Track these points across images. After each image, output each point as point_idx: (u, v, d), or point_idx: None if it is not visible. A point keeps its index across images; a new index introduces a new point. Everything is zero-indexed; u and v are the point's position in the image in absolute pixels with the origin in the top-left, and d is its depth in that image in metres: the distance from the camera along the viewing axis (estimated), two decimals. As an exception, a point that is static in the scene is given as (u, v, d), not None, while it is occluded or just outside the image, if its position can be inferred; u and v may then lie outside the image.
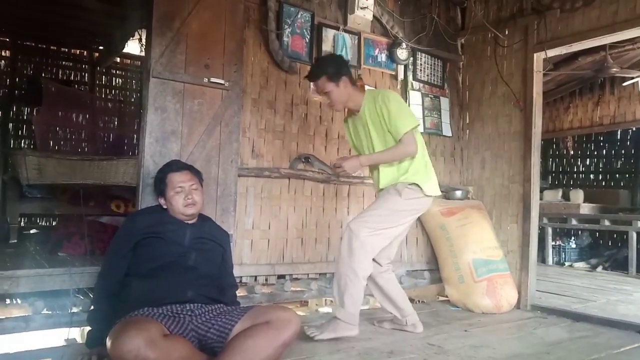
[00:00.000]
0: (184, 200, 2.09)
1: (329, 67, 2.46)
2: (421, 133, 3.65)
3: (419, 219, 3.64)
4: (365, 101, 2.52)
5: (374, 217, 2.45)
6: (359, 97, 2.53)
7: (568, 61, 4.95)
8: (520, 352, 2.37)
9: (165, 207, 2.15)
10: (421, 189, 2.48)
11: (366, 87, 2.63)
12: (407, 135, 2.41)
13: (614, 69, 4.85)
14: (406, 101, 3.67)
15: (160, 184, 2.16)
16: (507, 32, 3.61)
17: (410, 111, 2.56)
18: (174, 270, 1.97)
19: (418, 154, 2.48)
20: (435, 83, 3.85)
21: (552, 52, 3.40)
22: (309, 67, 3.20)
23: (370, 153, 2.55)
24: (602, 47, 4.46)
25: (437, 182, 2.61)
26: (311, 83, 2.78)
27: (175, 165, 2.20)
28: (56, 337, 2.51)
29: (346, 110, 2.68)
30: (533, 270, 3.40)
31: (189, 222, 2.14)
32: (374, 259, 2.58)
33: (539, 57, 3.44)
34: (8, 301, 2.55)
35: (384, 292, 2.64)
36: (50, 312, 2.35)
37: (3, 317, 2.38)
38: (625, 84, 5.99)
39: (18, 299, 2.53)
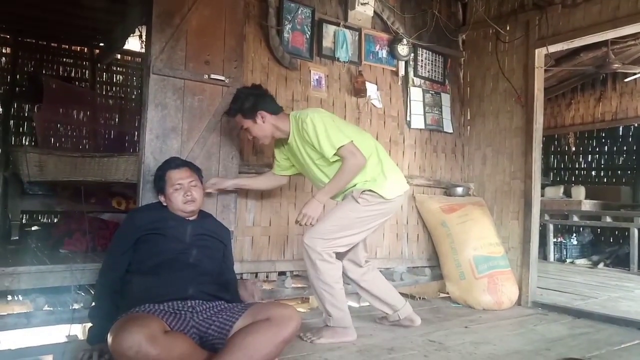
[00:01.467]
0: (183, 197, 2.10)
1: (244, 104, 2.32)
2: (422, 129, 3.70)
3: (419, 215, 3.65)
4: (292, 127, 2.39)
5: (330, 228, 2.34)
6: (285, 124, 2.40)
7: (570, 57, 4.93)
8: (520, 349, 2.37)
9: (165, 204, 2.15)
10: (379, 194, 2.35)
11: (292, 113, 2.46)
12: (344, 150, 2.26)
13: (616, 65, 4.83)
14: (407, 97, 3.66)
15: (159, 182, 2.17)
16: (508, 28, 3.60)
17: (339, 125, 2.35)
18: (174, 266, 1.97)
19: (370, 160, 2.37)
20: (436, 79, 3.84)
21: (553, 48, 3.39)
22: (309, 64, 3.20)
23: (319, 181, 2.44)
24: (603, 43, 4.44)
25: (400, 180, 2.47)
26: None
27: (173, 163, 2.20)
28: (57, 334, 2.52)
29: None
30: (534, 266, 3.40)
31: (190, 218, 2.14)
32: (352, 261, 2.57)
33: (540, 53, 3.43)
34: (9, 297, 2.55)
35: (371, 294, 2.62)
36: (51, 309, 2.35)
37: (5, 313, 2.39)
38: (627, 79, 5.98)
39: (19, 296, 2.54)
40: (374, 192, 2.36)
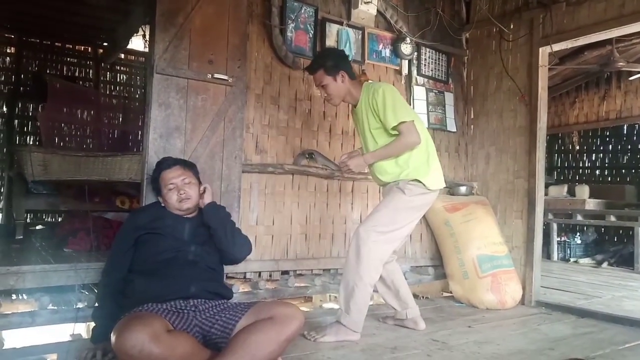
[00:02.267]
0: (178, 196, 2.11)
1: (328, 61, 2.46)
2: (425, 128, 3.69)
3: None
4: (362, 95, 2.51)
5: (382, 219, 2.41)
6: (357, 91, 2.52)
7: (574, 55, 4.91)
8: (524, 348, 2.36)
9: (163, 204, 2.16)
10: (423, 184, 2.43)
11: (367, 82, 2.60)
12: (404, 126, 2.36)
13: (621, 63, 4.81)
14: (410, 96, 3.65)
15: (155, 183, 2.20)
16: (512, 26, 3.59)
17: (406, 104, 2.50)
18: (175, 265, 1.98)
19: (420, 147, 2.45)
20: (440, 78, 3.83)
21: (557, 46, 3.37)
22: (312, 63, 3.20)
23: (369, 149, 2.53)
24: (608, 41, 4.42)
25: (441, 174, 2.56)
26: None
27: (165, 163, 2.20)
28: (62, 333, 2.53)
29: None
30: (538, 266, 3.39)
31: (188, 216, 2.15)
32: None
33: (544, 52, 3.41)
34: (14, 296, 2.56)
35: (385, 284, 2.63)
36: (55, 308, 2.36)
37: (9, 312, 2.40)
38: (631, 78, 5.95)
39: (24, 295, 2.55)
40: (418, 181, 2.43)
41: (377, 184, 2.74)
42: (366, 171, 3.17)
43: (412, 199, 2.44)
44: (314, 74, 2.51)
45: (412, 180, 2.44)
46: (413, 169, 2.44)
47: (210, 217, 2.14)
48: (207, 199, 2.18)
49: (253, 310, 1.85)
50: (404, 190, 2.43)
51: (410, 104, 3.64)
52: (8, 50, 5.30)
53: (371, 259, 2.36)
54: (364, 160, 2.49)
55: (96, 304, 2.09)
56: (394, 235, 2.44)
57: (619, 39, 4.40)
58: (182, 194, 2.11)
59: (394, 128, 2.38)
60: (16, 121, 5.27)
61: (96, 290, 2.39)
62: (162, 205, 2.17)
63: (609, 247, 6.27)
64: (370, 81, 2.62)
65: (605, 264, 5.68)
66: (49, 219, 5.28)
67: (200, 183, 2.26)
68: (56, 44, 5.51)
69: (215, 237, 2.12)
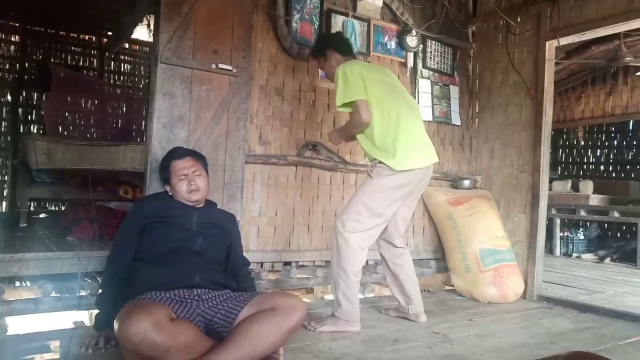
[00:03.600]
0: (188, 186, 2.11)
1: (319, 42, 2.70)
2: (430, 122, 3.68)
3: (425, 207, 3.64)
4: None
5: (355, 207, 2.39)
6: None
7: (581, 50, 4.87)
8: (525, 342, 2.37)
9: (171, 193, 2.16)
10: (388, 166, 2.37)
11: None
12: (353, 105, 2.38)
13: (628, 58, 4.76)
14: (415, 89, 3.64)
15: (164, 172, 2.19)
16: (519, 20, 3.56)
17: (356, 84, 2.39)
18: (181, 255, 1.98)
19: (383, 131, 2.39)
20: (445, 71, 3.81)
21: (564, 41, 3.34)
22: (317, 54, 3.19)
23: None
24: (616, 36, 4.38)
25: (412, 154, 2.41)
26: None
27: (176, 153, 2.21)
28: (65, 320, 2.55)
29: None
30: (540, 260, 3.38)
31: (196, 206, 2.15)
32: (384, 239, 2.59)
33: (551, 46, 3.39)
34: (18, 284, 2.58)
35: (394, 277, 2.63)
36: (58, 295, 2.38)
37: (13, 299, 2.42)
38: (638, 73, 5.90)
39: (27, 282, 2.57)
40: (383, 163, 2.40)
41: None
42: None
43: (381, 181, 2.39)
44: (312, 57, 2.76)
45: (378, 163, 2.42)
46: (376, 151, 2.43)
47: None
48: None
49: (255, 301, 1.85)
50: (371, 173, 2.42)
51: (415, 97, 3.63)
52: (13, 39, 5.29)
53: (350, 250, 2.35)
54: (336, 132, 2.62)
55: (100, 291, 2.10)
56: (372, 221, 2.41)
57: (627, 34, 4.35)
58: (192, 185, 2.11)
59: (339, 108, 2.44)
60: (20, 110, 5.27)
61: (99, 279, 2.40)
62: (170, 194, 2.17)
63: (612, 242, 6.26)
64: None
65: (607, 260, 5.67)
66: (53, 208, 5.30)
67: (208, 175, 2.26)
68: (61, 33, 5.50)
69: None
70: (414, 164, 2.41)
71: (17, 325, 2.53)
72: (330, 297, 3.85)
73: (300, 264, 3.10)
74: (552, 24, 3.35)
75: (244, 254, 2.38)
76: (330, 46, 2.59)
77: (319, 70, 2.76)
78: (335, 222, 2.43)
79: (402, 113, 2.44)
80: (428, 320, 2.62)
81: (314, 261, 3.15)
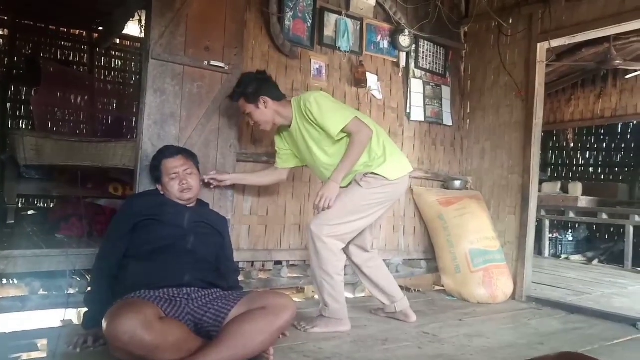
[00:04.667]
0: (179, 185, 2.10)
1: (247, 88, 2.35)
2: (422, 122, 3.69)
3: (416, 207, 3.65)
4: (294, 113, 2.41)
5: (336, 213, 2.33)
6: (287, 111, 2.42)
7: (571, 52, 4.91)
8: (514, 342, 2.38)
9: (162, 192, 2.15)
10: (383, 176, 2.36)
11: (293, 98, 2.51)
12: (351, 125, 2.29)
13: (617, 61, 4.82)
14: (407, 89, 3.64)
15: (155, 171, 2.18)
16: (511, 21, 3.58)
17: (341, 105, 2.44)
18: (172, 253, 1.97)
19: (372, 145, 2.38)
20: (437, 71, 3.82)
21: (555, 43, 3.37)
22: (310, 52, 3.18)
23: (324, 163, 2.43)
24: (606, 39, 4.42)
25: (401, 160, 2.47)
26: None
27: (167, 151, 2.20)
28: (52, 318, 2.52)
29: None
30: (529, 261, 3.41)
31: (188, 205, 2.14)
32: (358, 245, 2.57)
33: (542, 47, 3.41)
34: (5, 281, 2.55)
35: (371, 281, 2.62)
36: (46, 293, 2.35)
37: (0, 296, 2.39)
38: (628, 76, 5.97)
39: (15, 279, 2.54)
40: (376, 174, 2.36)
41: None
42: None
43: (371, 192, 2.36)
44: (237, 102, 2.44)
45: (370, 174, 2.37)
46: (369, 163, 2.38)
47: None
48: None
49: (245, 300, 1.85)
50: (360, 183, 2.36)
51: (407, 97, 3.63)
52: (1, 33, 5.21)
53: (329, 252, 2.31)
54: (334, 182, 2.33)
55: (89, 289, 2.08)
56: (352, 226, 2.37)
57: (617, 37, 4.40)
58: (184, 184, 2.11)
59: (340, 132, 2.30)
60: (9, 105, 5.20)
61: (88, 276, 2.38)
62: (161, 193, 2.16)
63: (600, 244, 6.33)
64: (294, 97, 2.51)
65: (595, 261, 5.73)
66: (41, 204, 5.24)
67: (200, 173, 2.25)
68: (50, 27, 5.42)
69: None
70: (404, 171, 2.46)
71: (4, 323, 2.50)
72: (320, 296, 3.85)
73: (291, 263, 3.09)
74: (544, 26, 3.37)
75: (235, 252, 2.37)
76: (264, 93, 2.37)
77: (245, 112, 2.42)
78: (309, 226, 2.35)
79: (379, 128, 2.51)
80: (418, 320, 2.63)
81: (304, 260, 3.14)
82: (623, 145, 6.90)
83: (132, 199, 2.22)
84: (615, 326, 2.81)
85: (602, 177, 7.10)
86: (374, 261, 2.62)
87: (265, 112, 2.39)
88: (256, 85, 2.37)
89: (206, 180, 2.50)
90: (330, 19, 3.25)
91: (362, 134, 2.31)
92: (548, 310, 3.15)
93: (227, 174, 2.61)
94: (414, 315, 2.64)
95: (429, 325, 2.59)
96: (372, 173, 2.37)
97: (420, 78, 3.71)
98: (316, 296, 3.77)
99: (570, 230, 6.50)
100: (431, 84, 3.77)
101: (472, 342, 2.34)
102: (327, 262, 2.33)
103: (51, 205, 4.95)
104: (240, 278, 2.83)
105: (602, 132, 7.09)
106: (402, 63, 3.61)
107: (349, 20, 3.31)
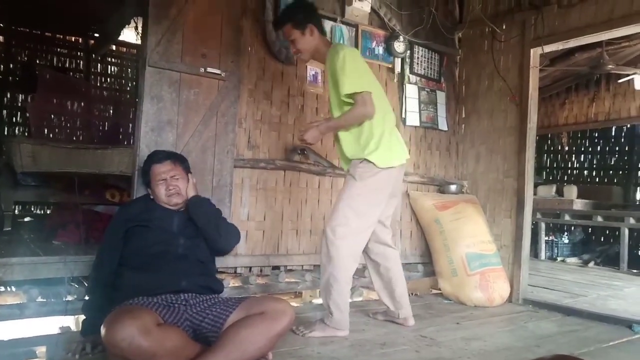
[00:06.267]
0: (167, 190, 2.12)
1: (296, 14, 2.37)
2: (417, 127, 3.72)
3: (413, 212, 3.67)
4: (327, 55, 2.39)
5: (343, 211, 2.33)
6: (325, 49, 2.41)
7: (564, 57, 4.96)
8: (511, 345, 2.40)
9: (152, 197, 2.17)
10: (373, 163, 2.33)
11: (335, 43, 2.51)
12: (360, 96, 2.25)
13: (610, 66, 4.87)
14: (402, 94, 3.67)
15: (145, 176, 2.20)
16: (504, 27, 3.61)
17: (367, 74, 2.36)
18: (165, 259, 1.98)
19: (373, 125, 2.34)
20: (432, 77, 3.85)
21: (549, 48, 3.40)
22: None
23: (332, 112, 2.44)
24: (598, 44, 4.47)
25: (395, 151, 2.42)
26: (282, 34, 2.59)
27: (156, 157, 2.21)
28: (50, 325, 2.52)
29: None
30: (525, 264, 3.43)
31: (177, 209, 2.15)
32: (376, 240, 2.54)
33: (535, 53, 3.44)
34: (2, 289, 2.54)
35: (382, 280, 2.60)
36: (44, 300, 2.35)
37: (-3, 304, 2.39)
38: (620, 80, 6.02)
39: (12, 287, 2.53)
40: (367, 161, 2.34)
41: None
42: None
43: (365, 182, 2.34)
44: (282, 27, 2.42)
45: (361, 162, 2.36)
46: (361, 149, 2.36)
47: (193, 210, 2.15)
48: (191, 192, 2.19)
49: (244, 305, 1.86)
50: (354, 175, 2.36)
51: (402, 102, 3.66)
52: (-3, 40, 5.23)
53: (341, 257, 2.30)
54: (319, 131, 2.38)
55: (86, 297, 2.09)
56: (362, 225, 2.36)
57: (609, 42, 4.45)
58: (171, 189, 2.13)
59: (348, 96, 2.27)
60: (5, 111, 5.21)
61: (85, 283, 2.38)
62: (152, 197, 2.18)
63: (596, 246, 6.36)
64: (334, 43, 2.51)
65: (591, 264, 5.76)
66: (38, 211, 5.24)
67: (191, 174, 2.26)
68: (46, 34, 5.45)
69: (201, 230, 2.13)
70: (396, 161, 2.43)
71: (3, 331, 2.49)
72: (318, 301, 3.85)
73: (288, 268, 3.10)
74: (537, 32, 3.40)
75: (233, 258, 2.37)
76: (313, 20, 2.38)
77: (290, 38, 2.39)
78: (325, 229, 2.37)
79: (388, 110, 2.47)
80: (416, 324, 2.64)
81: (302, 265, 3.15)
82: (617, 149, 6.96)
83: (123, 207, 2.27)
84: (611, 328, 2.82)
85: (597, 180, 7.15)
86: (392, 262, 2.57)
87: (310, 40, 2.39)
88: (306, 12, 2.39)
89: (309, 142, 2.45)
90: (326, 26, 3.25)
91: (361, 110, 2.27)
92: (544, 312, 3.17)
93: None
94: (413, 320, 2.63)
95: (427, 329, 2.60)
96: (364, 160, 2.35)
97: (415, 83, 3.74)
98: (315, 300, 3.78)
99: (566, 233, 6.53)
100: (426, 89, 3.80)
101: (469, 345, 2.36)
102: (338, 269, 2.31)
103: (48, 212, 4.95)
104: (238, 283, 2.86)
105: (596, 135, 7.15)
106: (397, 69, 3.63)
107: (344, 27, 3.34)
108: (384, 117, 2.42)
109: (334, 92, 2.40)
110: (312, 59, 2.53)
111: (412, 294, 3.64)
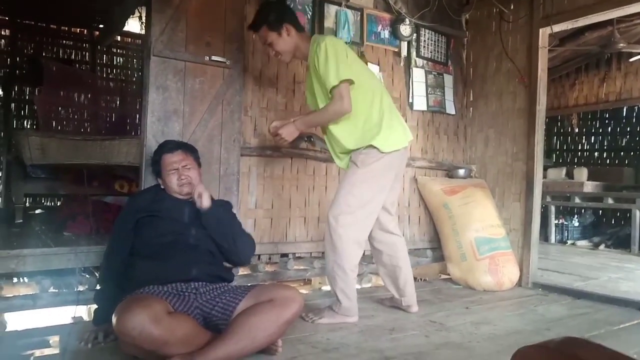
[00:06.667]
0: (178, 180, 2.12)
1: (269, 15, 2.30)
2: (424, 111, 3.68)
3: (421, 197, 3.65)
4: (310, 49, 2.32)
5: (345, 199, 2.30)
6: (306, 46, 2.34)
7: (574, 36, 4.87)
8: (520, 329, 2.40)
9: (163, 187, 2.17)
10: (376, 148, 2.28)
11: (315, 35, 2.41)
12: (336, 90, 2.18)
13: (621, 45, 4.77)
14: (409, 78, 3.62)
15: (156, 166, 2.20)
16: (512, 7, 3.55)
17: (352, 61, 2.28)
18: (176, 248, 1.99)
19: (370, 111, 2.30)
20: (439, 60, 3.80)
21: (557, 27, 3.33)
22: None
23: (317, 107, 2.37)
24: (609, 22, 4.38)
25: (398, 133, 2.37)
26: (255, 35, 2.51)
27: (167, 147, 2.21)
28: (63, 315, 2.55)
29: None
30: (535, 248, 3.41)
31: (188, 199, 2.15)
32: (384, 230, 2.53)
33: (544, 33, 3.38)
34: (15, 279, 2.58)
35: (387, 268, 2.60)
36: (57, 291, 2.39)
37: (11, 295, 2.43)
38: (632, 59, 5.91)
39: (25, 278, 2.57)
40: (370, 146, 2.30)
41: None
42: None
43: (368, 169, 2.30)
44: (258, 31, 2.36)
45: (364, 149, 2.31)
46: (362, 137, 2.31)
47: (210, 225, 2.07)
48: (205, 204, 2.08)
49: (253, 293, 1.87)
50: (357, 162, 2.32)
51: (409, 86, 3.62)
52: (3, 33, 5.23)
53: (345, 245, 2.28)
54: (295, 127, 2.30)
55: (98, 287, 2.11)
56: (365, 212, 2.33)
57: (620, 20, 4.36)
58: (182, 179, 2.12)
59: (334, 88, 2.19)
60: (13, 105, 5.23)
61: (97, 273, 2.41)
62: (162, 187, 2.18)
63: (607, 229, 6.31)
64: (315, 34, 2.41)
65: (602, 246, 5.72)
66: (48, 203, 5.29)
67: (200, 167, 2.26)
68: (51, 26, 5.44)
69: (217, 244, 2.09)
70: (399, 144, 2.38)
71: (16, 321, 2.54)
72: (327, 288, 3.87)
73: (297, 255, 3.11)
74: (545, 11, 3.34)
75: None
76: (288, 20, 2.31)
77: (267, 42, 2.33)
78: (327, 217, 2.34)
79: (384, 92, 2.42)
80: (425, 309, 2.65)
81: (310, 252, 3.16)
82: (628, 129, 6.85)
83: (133, 197, 2.27)
84: (621, 310, 2.81)
85: (608, 162, 7.06)
86: (397, 249, 2.55)
87: (288, 40, 2.32)
88: (279, 12, 2.33)
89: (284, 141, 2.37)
90: (330, 10, 3.24)
91: (337, 107, 2.21)
92: (554, 296, 3.16)
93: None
94: (417, 306, 2.62)
95: (436, 314, 2.60)
96: (366, 147, 2.31)
97: (422, 67, 3.70)
98: (324, 288, 3.80)
99: (576, 216, 6.48)
100: (433, 72, 3.76)
101: (479, 329, 2.36)
102: (342, 257, 2.30)
103: (58, 204, 5.00)
104: (247, 271, 2.87)
105: (607, 116, 7.03)
106: (404, 52, 3.59)
107: (349, 11, 3.30)
108: (381, 99, 2.36)
109: (318, 85, 2.33)
110: (294, 57, 2.45)
111: (421, 279, 3.65)
